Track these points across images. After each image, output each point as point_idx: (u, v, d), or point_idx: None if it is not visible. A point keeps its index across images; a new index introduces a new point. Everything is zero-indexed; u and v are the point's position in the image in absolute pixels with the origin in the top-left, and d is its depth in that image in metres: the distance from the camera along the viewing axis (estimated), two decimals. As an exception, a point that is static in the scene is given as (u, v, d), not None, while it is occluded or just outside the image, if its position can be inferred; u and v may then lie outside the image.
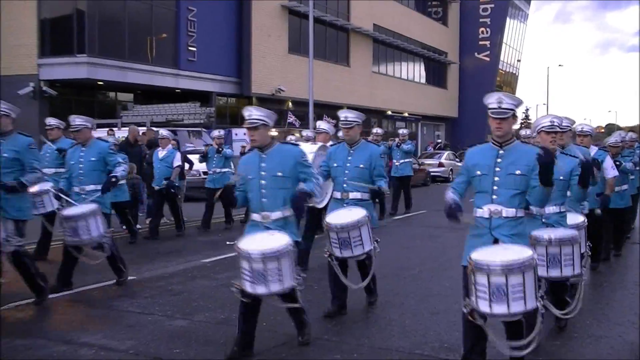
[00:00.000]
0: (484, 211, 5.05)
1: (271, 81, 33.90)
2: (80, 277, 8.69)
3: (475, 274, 4.61)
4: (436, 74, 55.79)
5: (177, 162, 13.24)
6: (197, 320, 6.79)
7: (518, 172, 4.96)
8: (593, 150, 8.97)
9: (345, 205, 7.11)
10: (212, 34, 30.60)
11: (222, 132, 15.72)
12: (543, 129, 6.44)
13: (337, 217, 6.88)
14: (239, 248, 5.41)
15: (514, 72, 68.71)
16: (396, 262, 9.80)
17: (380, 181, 7.18)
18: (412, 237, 12.95)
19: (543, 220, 6.38)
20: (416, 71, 52.52)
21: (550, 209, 6.41)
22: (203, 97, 30.06)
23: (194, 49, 30.00)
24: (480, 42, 58.58)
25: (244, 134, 15.57)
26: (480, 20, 58.43)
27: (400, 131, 19.01)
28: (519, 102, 5.09)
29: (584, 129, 8.90)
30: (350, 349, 5.92)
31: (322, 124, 11.14)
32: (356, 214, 6.85)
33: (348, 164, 7.21)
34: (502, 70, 62.66)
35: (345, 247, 6.78)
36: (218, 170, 14.31)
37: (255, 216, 5.86)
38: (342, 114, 7.32)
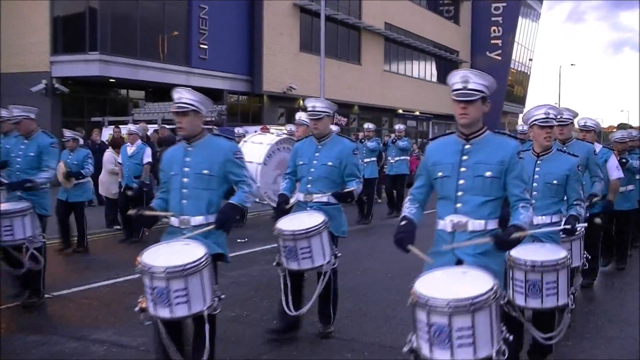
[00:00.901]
0: (445, 223, 4.02)
1: (282, 79, 33.91)
2: (92, 274, 8.74)
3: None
4: (447, 73, 54.75)
5: (147, 158, 12.27)
6: (208, 318, 6.79)
7: (488, 173, 3.93)
8: (597, 147, 8.01)
9: (308, 209, 6.11)
10: (223, 32, 30.63)
11: (239, 129, 15.64)
12: (536, 122, 5.51)
13: (288, 223, 5.89)
14: (141, 260, 4.49)
15: (526, 71, 68.46)
16: (404, 262, 9.74)
17: (351, 182, 6.17)
18: (420, 237, 12.91)
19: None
20: (427, 70, 52.40)
21: (539, 219, 5.42)
22: (214, 95, 30.09)
23: (206, 46, 30.03)
24: (492, 41, 58.36)
25: (255, 131, 15.43)
26: (492, 19, 58.21)
27: (397, 127, 17.67)
28: (490, 83, 4.05)
29: (587, 124, 8.10)
30: (361, 348, 5.92)
31: (302, 116, 9.35)
32: (311, 220, 5.83)
33: (315, 162, 6.21)
34: (513, 69, 62.45)
35: (291, 258, 5.77)
36: None
37: (173, 220, 4.92)
38: (310, 103, 6.36)
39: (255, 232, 12.68)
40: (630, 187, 9.72)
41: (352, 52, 41.12)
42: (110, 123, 21.05)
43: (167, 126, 17.60)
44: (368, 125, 16.92)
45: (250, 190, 4.90)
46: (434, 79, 53.33)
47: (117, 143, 14.53)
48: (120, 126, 16.80)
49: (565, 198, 5.57)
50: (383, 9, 43.26)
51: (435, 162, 4.12)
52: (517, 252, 4.88)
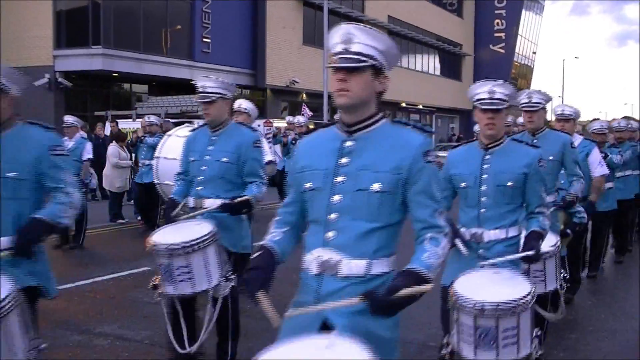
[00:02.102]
0: (311, 261, 2.68)
1: (286, 73, 33.89)
2: (96, 268, 8.76)
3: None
4: (451, 66, 55.56)
5: (88, 154, 10.83)
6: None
7: (376, 186, 2.58)
8: (577, 139, 6.95)
9: (199, 217, 4.82)
10: (226, 25, 30.60)
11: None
12: (478, 103, 4.11)
13: (166, 234, 4.56)
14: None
15: (530, 64, 68.29)
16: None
17: (250, 185, 4.90)
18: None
19: (480, 252, 4.11)
20: (431, 63, 52.31)
21: (491, 234, 4.12)
22: (218, 89, 30.10)
23: (209, 40, 30.01)
24: (496, 34, 58.24)
25: (259, 125, 15.39)
26: (496, 12, 58.06)
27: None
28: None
29: (565, 112, 6.73)
30: (364, 341, 5.93)
31: (242, 103, 8.02)
32: (194, 232, 4.47)
33: (207, 157, 4.95)
34: (517, 62, 62.30)
35: (167, 279, 4.43)
36: None
37: None
38: (200, 82, 5.02)
39: (261, 225, 12.68)
40: (609, 184, 8.50)
41: (355, 45, 41.01)
42: (114, 117, 21.07)
43: (171, 120, 17.62)
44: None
45: (65, 199, 3.54)
46: (437, 72, 53.25)
47: (120, 137, 14.56)
48: (117, 120, 16.71)
49: (523, 204, 4.21)
50: (386, 2, 43.18)
51: (305, 167, 2.78)
52: (462, 288, 3.61)
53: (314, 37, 35.35)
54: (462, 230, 4.18)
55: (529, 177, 4.09)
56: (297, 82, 34.20)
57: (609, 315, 6.92)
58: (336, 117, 6.54)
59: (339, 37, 2.66)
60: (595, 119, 11.78)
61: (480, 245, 4.12)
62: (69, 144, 10.49)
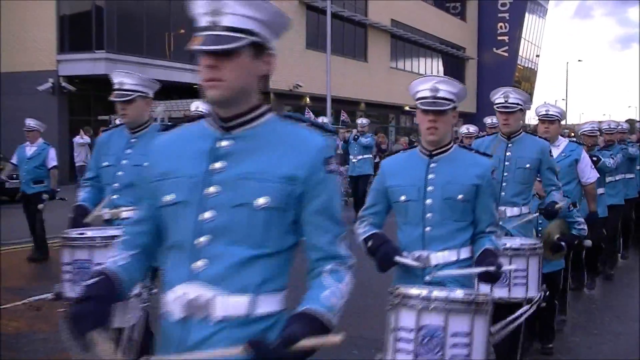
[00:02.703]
0: (174, 300, 2.04)
1: (289, 77, 33.89)
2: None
3: None
4: (454, 70, 55.53)
5: (52, 161, 10.23)
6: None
7: (262, 200, 1.93)
8: (562, 142, 6.47)
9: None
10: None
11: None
12: (419, 102, 3.61)
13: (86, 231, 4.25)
14: None
15: (533, 67, 68.23)
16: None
17: None
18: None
19: (427, 278, 3.44)
20: (434, 67, 52.30)
21: (439, 257, 3.45)
22: (221, 93, 30.16)
23: (212, 44, 30.05)
24: (499, 38, 58.22)
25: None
26: (499, 15, 58.05)
27: (359, 121, 15.70)
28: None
29: (549, 112, 6.13)
30: (367, 344, 5.92)
31: (200, 105, 7.46)
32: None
33: (124, 161, 4.51)
34: (520, 65, 62.26)
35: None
36: None
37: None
38: (116, 79, 4.78)
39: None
40: (600, 190, 7.84)
41: (359, 49, 41.08)
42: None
43: (170, 124, 17.62)
44: (362, 121, 15.64)
45: None
46: (441, 75, 53.22)
47: None
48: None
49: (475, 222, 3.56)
50: (389, 5, 43.19)
51: (165, 174, 2.09)
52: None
53: (317, 41, 35.36)
54: (404, 254, 3.49)
55: (480, 190, 3.44)
56: (300, 86, 34.21)
57: (613, 318, 6.91)
58: (363, 121, 11.91)
59: (204, 6, 2.03)
60: (627, 121, 11.61)
61: (426, 271, 3.43)
62: (31, 149, 10.16)
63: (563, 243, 5.36)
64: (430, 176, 3.52)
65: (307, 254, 2.06)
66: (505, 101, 5.08)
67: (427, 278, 3.41)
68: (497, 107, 5.14)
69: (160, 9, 28.38)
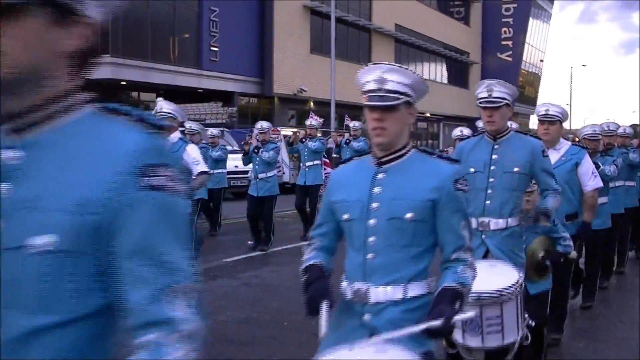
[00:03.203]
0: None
1: (293, 81, 33.94)
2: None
3: None
4: (458, 74, 55.58)
5: None
6: (219, 320, 6.79)
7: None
8: (564, 145, 5.88)
9: None
10: (234, 34, 30.70)
11: (214, 130, 14.22)
12: (367, 97, 2.84)
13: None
14: None
15: (537, 72, 68.22)
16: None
17: None
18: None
19: (365, 317, 2.76)
20: (438, 71, 52.34)
21: (379, 293, 2.74)
22: (225, 97, 30.17)
23: (216, 49, 30.10)
24: (503, 42, 58.24)
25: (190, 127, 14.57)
26: (503, 20, 58.09)
27: (352, 124, 14.54)
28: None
29: (549, 112, 5.69)
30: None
31: (164, 105, 7.18)
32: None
33: None
34: (524, 70, 62.26)
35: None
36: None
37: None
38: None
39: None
40: (603, 199, 7.09)
41: (363, 53, 41.11)
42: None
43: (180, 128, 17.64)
44: (354, 124, 14.51)
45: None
46: (445, 80, 53.28)
47: None
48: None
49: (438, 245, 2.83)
50: (393, 10, 43.24)
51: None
52: None
53: (321, 45, 35.41)
54: (344, 285, 2.87)
55: (439, 206, 2.70)
56: (304, 91, 34.25)
57: (617, 324, 6.89)
58: (355, 124, 10.42)
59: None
60: (631, 127, 10.72)
61: (365, 308, 2.76)
62: None
63: (548, 262, 4.80)
64: (375, 190, 2.78)
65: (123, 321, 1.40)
66: (489, 95, 4.45)
67: (366, 318, 2.74)
68: (480, 102, 4.49)
69: (165, 14, 28.45)
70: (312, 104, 35.58)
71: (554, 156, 5.47)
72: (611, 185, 7.83)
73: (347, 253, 2.89)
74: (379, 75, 2.80)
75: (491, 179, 4.47)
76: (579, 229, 5.84)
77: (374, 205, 2.75)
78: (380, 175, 2.80)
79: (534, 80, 67.77)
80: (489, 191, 4.46)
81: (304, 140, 13.11)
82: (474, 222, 4.20)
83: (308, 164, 12.83)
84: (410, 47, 46.67)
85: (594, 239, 6.86)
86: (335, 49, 28.31)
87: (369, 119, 2.81)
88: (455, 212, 2.71)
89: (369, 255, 2.74)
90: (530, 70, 65.15)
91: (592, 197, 5.90)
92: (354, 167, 2.97)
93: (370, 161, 2.86)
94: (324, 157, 14.23)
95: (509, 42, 58.11)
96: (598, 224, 6.82)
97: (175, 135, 6.73)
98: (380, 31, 41.95)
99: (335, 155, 15.65)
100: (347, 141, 13.78)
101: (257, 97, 33.78)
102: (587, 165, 5.84)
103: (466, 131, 12.03)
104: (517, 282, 3.70)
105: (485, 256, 4.35)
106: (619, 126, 9.18)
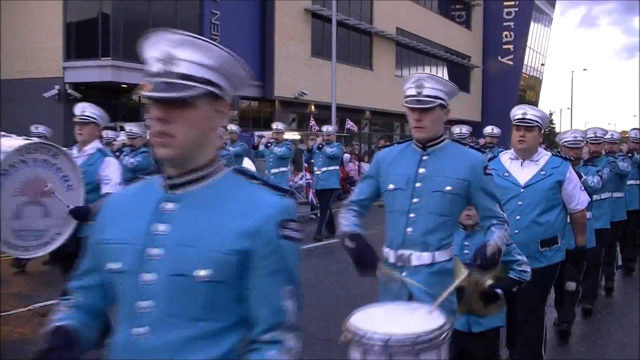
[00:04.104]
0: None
1: (294, 84, 33.95)
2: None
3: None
4: (459, 78, 55.54)
5: None
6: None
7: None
8: (542, 156, 4.90)
9: None
10: (235, 37, 30.73)
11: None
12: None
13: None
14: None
15: (538, 76, 68.26)
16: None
17: None
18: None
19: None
20: (439, 75, 51.93)
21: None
22: (226, 100, 30.21)
23: (218, 52, 30.13)
24: (504, 46, 58.25)
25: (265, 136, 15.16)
26: (504, 24, 58.11)
27: (325, 128, 13.68)
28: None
29: (527, 116, 4.80)
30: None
31: (87, 108, 6.44)
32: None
33: None
34: (525, 74, 62.29)
35: None
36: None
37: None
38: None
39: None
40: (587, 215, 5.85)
41: (364, 57, 41.15)
42: (122, 128, 21.14)
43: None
44: (327, 128, 13.70)
45: None
46: (446, 84, 53.24)
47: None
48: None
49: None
50: (394, 14, 43.28)
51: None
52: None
53: (322, 48, 35.43)
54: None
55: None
56: (305, 94, 34.25)
57: (618, 328, 6.89)
58: (328, 128, 8.05)
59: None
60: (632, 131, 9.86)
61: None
62: None
63: (499, 291, 4.01)
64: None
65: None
66: (418, 93, 3.49)
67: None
68: (407, 102, 3.52)
69: (166, 17, 28.48)
70: (313, 107, 35.58)
71: (531, 170, 4.81)
72: (595, 197, 6.78)
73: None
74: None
75: (415, 200, 3.50)
76: (574, 252, 5.16)
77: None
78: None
79: (535, 84, 67.79)
80: (412, 215, 3.49)
81: (269, 144, 12.90)
82: (391, 255, 3.55)
83: (273, 170, 12.72)
84: (411, 51, 46.69)
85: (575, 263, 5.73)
86: (336, 52, 28.33)
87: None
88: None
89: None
90: (531, 74, 65.17)
91: (583, 217, 5.05)
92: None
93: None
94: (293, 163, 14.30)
95: (510, 46, 58.13)
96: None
97: (93, 146, 6.02)
98: (382, 35, 41.97)
99: (312, 161, 14.88)
100: (320, 146, 12.94)
101: (258, 100, 33.78)
102: (573, 181, 4.89)
103: (465, 129, 11.57)
104: (441, 327, 2.80)
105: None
106: (607, 132, 8.33)
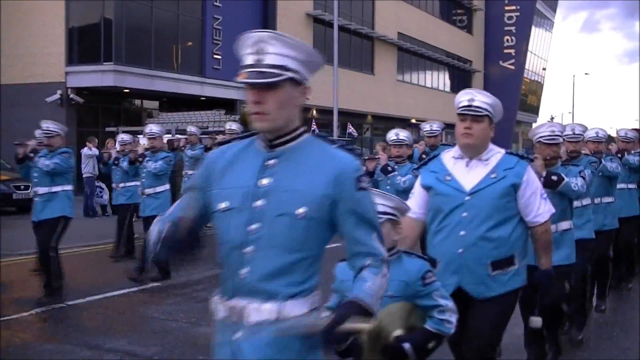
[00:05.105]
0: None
1: (295, 89, 33.94)
2: (107, 283, 8.78)
3: None
4: (461, 82, 55.55)
5: None
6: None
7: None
8: (493, 154, 3.86)
9: None
10: (237, 42, 30.74)
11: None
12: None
13: None
14: None
15: (540, 80, 68.26)
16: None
17: None
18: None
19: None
20: (441, 79, 52.37)
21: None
22: (228, 105, 30.20)
23: (219, 57, 30.15)
24: (505, 51, 58.26)
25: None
26: (505, 28, 58.12)
27: (188, 129, 13.11)
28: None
29: (473, 104, 3.89)
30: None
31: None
32: None
33: None
34: (527, 78, 62.29)
35: None
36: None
37: None
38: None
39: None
40: (565, 225, 5.24)
41: (365, 62, 41.17)
42: (124, 133, 21.14)
43: (181, 136, 17.69)
44: (190, 129, 13.59)
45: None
46: (447, 88, 53.31)
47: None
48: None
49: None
50: (396, 18, 43.32)
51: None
52: None
53: (324, 53, 35.02)
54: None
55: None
56: (307, 99, 34.23)
57: (621, 333, 6.88)
58: (191, 129, 8.22)
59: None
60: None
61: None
62: None
63: (407, 345, 3.13)
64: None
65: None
66: (258, 61, 2.37)
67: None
68: (243, 77, 2.43)
69: (168, 22, 28.53)
70: (314, 112, 35.61)
71: (479, 172, 3.78)
72: (576, 204, 5.63)
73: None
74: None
75: (253, 226, 2.31)
76: (538, 277, 3.95)
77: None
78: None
79: (537, 88, 67.79)
80: (248, 249, 2.31)
81: (183, 148, 12.20)
82: (221, 308, 2.39)
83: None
84: (412, 56, 46.71)
85: (562, 275, 5.06)
86: (338, 57, 28.36)
87: None
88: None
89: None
90: (532, 78, 65.17)
91: (546, 232, 3.85)
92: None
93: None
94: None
95: (512, 51, 58.14)
96: (560, 259, 4.91)
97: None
98: (383, 39, 41.99)
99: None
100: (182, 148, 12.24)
101: (260, 105, 33.80)
102: (531, 185, 3.77)
103: (436, 126, 9.24)
104: None
105: None
106: (586, 129, 7.27)
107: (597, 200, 7.08)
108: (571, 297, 5.92)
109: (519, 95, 57.38)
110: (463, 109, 3.88)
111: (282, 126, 2.37)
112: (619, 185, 7.86)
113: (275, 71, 2.31)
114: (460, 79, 55.49)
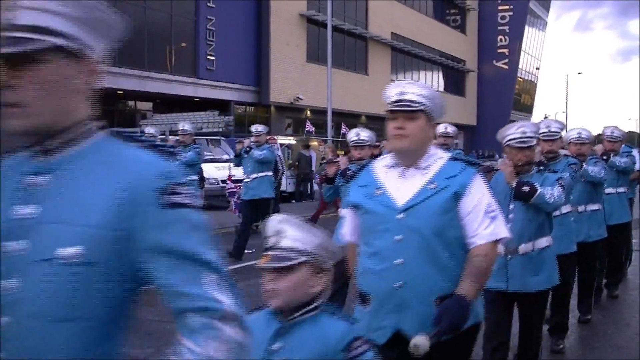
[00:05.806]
0: None
1: (290, 90, 33.97)
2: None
3: None
4: (455, 82, 55.68)
5: None
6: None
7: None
8: (434, 160, 3.02)
9: None
10: (230, 43, 30.74)
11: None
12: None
13: None
14: None
15: (533, 80, 68.41)
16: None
17: None
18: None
19: None
20: (434, 79, 52.43)
21: None
22: (222, 106, 30.21)
23: (213, 58, 30.13)
24: (499, 50, 58.40)
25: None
26: (499, 28, 58.27)
27: (254, 128, 11.14)
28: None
29: (405, 97, 3.06)
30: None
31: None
32: None
33: None
34: (520, 78, 62.44)
35: None
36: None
37: None
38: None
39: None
40: (543, 242, 4.53)
41: (359, 62, 41.20)
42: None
43: (174, 137, 17.68)
44: (257, 127, 11.21)
45: None
46: (441, 88, 53.34)
47: None
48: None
49: None
50: (390, 18, 43.36)
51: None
52: None
53: (317, 54, 35.47)
54: None
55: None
56: (301, 99, 34.27)
57: (615, 331, 6.89)
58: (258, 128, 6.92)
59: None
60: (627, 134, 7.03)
61: None
62: None
63: None
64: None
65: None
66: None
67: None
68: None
69: (161, 23, 28.50)
70: (308, 112, 35.62)
71: (414, 183, 2.97)
72: (556, 212, 4.89)
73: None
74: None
75: (7, 283, 1.46)
76: (442, 306, 2.79)
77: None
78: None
79: (530, 88, 67.95)
80: (3, 322, 1.46)
81: (249, 149, 10.73)
82: None
83: (253, 175, 10.69)
84: (406, 56, 46.77)
85: (541, 295, 4.58)
86: (332, 57, 28.35)
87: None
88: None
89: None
90: (526, 78, 65.33)
91: (486, 258, 2.87)
92: None
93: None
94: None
95: (505, 50, 58.28)
96: (539, 283, 4.46)
97: None
98: (377, 40, 42.03)
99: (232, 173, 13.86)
100: (247, 149, 10.76)
101: (254, 105, 33.81)
102: (474, 198, 2.92)
103: (451, 129, 9.56)
104: None
105: None
106: (564, 126, 6.63)
107: (580, 208, 6.43)
108: (555, 311, 5.96)
109: (512, 94, 57.56)
110: (393, 104, 3.06)
111: (49, 122, 1.50)
112: (607, 190, 7.18)
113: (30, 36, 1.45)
114: (454, 79, 55.62)
